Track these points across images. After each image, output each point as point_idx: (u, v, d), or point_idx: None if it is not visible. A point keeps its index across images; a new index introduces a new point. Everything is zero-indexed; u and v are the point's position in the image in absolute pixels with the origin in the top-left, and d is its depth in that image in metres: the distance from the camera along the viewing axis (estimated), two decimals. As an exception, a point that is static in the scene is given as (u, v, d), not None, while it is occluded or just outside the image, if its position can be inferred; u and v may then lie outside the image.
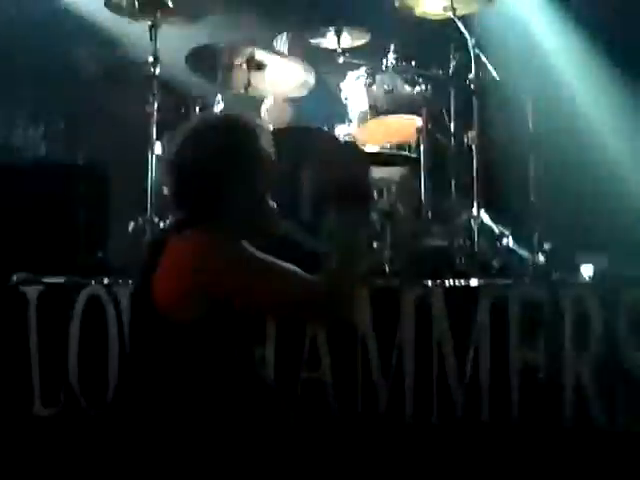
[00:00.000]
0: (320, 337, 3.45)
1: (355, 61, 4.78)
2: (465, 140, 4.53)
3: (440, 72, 4.63)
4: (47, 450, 3.57)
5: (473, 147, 4.43)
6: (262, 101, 4.98)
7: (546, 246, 4.26)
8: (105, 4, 4.67)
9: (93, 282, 3.80)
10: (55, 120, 5.17)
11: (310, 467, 2.19)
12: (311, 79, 4.84)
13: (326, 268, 2.01)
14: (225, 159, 2.04)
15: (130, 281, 3.83)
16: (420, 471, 3.12)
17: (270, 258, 2.03)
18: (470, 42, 4.44)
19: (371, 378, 3.56)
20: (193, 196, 2.07)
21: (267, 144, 2.16)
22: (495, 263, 4.01)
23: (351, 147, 2.31)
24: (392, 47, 4.66)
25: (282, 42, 5.03)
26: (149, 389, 2.09)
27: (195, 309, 2.00)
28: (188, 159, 2.06)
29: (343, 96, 4.69)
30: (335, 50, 4.85)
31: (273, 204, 2.22)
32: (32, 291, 3.81)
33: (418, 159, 4.50)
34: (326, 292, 1.97)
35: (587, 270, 3.99)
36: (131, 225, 4.55)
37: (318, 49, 4.98)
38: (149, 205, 4.51)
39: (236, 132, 2.11)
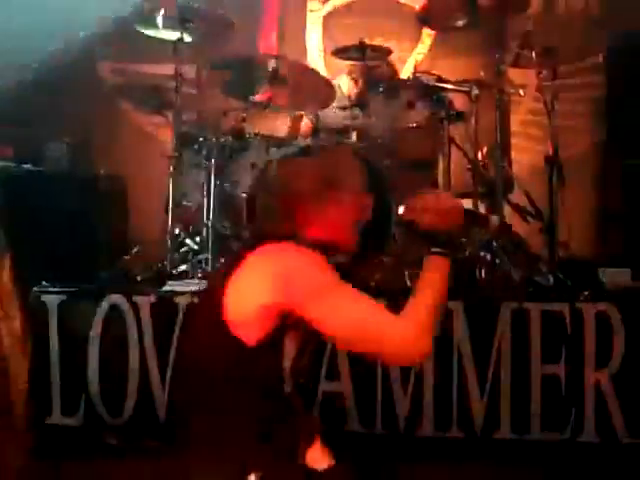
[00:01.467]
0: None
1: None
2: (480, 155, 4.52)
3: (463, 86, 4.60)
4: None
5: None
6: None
7: (567, 259, 4.25)
8: (135, 20, 4.68)
9: (114, 292, 3.82)
10: (78, 133, 5.21)
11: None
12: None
13: (412, 306, 1.99)
14: (327, 186, 2.13)
15: (150, 292, 3.86)
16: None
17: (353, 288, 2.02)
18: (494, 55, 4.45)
19: (391, 390, 3.56)
20: (291, 212, 2.13)
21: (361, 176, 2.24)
22: (515, 275, 3.98)
23: (472, 215, 2.29)
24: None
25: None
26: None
27: (265, 325, 1.99)
28: (293, 180, 2.15)
29: (366, 110, 4.69)
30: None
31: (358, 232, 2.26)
32: (53, 300, 3.83)
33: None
34: (414, 327, 1.94)
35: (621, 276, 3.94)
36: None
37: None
38: (169, 217, 4.53)
39: (339, 163, 2.23)
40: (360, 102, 4.79)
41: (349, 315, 1.96)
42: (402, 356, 1.99)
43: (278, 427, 2.04)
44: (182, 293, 3.81)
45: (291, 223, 2.11)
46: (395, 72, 4.86)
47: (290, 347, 2.06)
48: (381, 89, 4.55)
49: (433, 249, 2.06)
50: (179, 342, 2.37)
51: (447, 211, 2.11)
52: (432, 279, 2.02)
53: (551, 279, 4.02)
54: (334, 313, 1.96)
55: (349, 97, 4.95)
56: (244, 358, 1.99)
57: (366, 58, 4.73)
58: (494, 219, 2.21)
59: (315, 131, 4.88)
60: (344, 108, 4.88)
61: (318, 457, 2.19)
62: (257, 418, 2.00)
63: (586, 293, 3.66)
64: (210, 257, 4.35)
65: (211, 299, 2.08)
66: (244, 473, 1.97)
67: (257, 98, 4.71)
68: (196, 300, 3.71)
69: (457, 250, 2.05)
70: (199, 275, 4.28)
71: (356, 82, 4.87)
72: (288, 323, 2.02)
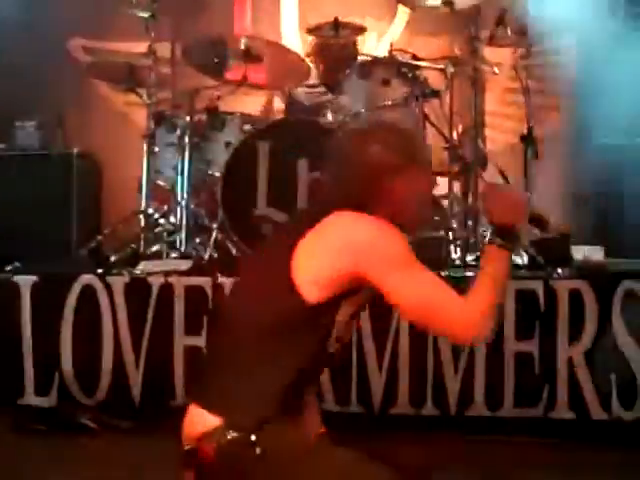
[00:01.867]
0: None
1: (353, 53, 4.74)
2: (454, 134, 4.52)
3: (438, 64, 4.59)
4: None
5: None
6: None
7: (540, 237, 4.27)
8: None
9: (87, 272, 3.79)
10: (49, 111, 5.16)
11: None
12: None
13: (478, 289, 2.05)
14: (403, 158, 2.13)
15: (124, 271, 3.84)
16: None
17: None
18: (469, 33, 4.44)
19: (366, 369, 3.57)
20: (359, 185, 2.12)
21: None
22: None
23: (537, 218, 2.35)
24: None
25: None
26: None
27: (332, 289, 2.00)
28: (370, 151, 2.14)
29: (340, 89, 4.67)
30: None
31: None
32: (25, 281, 3.80)
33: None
34: (480, 312, 2.01)
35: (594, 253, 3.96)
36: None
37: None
38: (144, 196, 4.50)
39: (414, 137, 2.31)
40: (326, 81, 4.77)
41: (420, 290, 2.02)
42: (464, 338, 2.13)
43: (302, 388, 2.08)
44: (156, 273, 3.80)
45: (367, 195, 2.10)
46: (356, 51, 4.81)
47: (345, 311, 2.07)
48: (352, 69, 4.53)
49: (498, 241, 2.10)
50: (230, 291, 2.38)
51: (517, 205, 2.16)
52: (495, 269, 2.07)
53: (525, 257, 4.04)
54: (406, 286, 2.01)
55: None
56: (300, 313, 2.00)
57: (339, 36, 4.70)
58: (554, 222, 2.29)
59: (288, 109, 4.85)
60: (315, 86, 4.86)
61: (314, 422, 2.24)
62: (291, 373, 2.01)
63: (559, 271, 3.69)
64: (184, 237, 4.33)
65: (278, 256, 2.07)
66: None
67: (232, 76, 4.68)
68: (170, 280, 3.72)
69: (516, 246, 2.13)
70: (174, 255, 4.27)
71: (316, 62, 4.83)
72: (350, 292, 2.04)
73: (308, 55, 4.90)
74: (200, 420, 2.01)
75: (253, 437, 1.94)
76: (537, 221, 2.32)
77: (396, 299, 2.03)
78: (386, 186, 2.11)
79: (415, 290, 2.02)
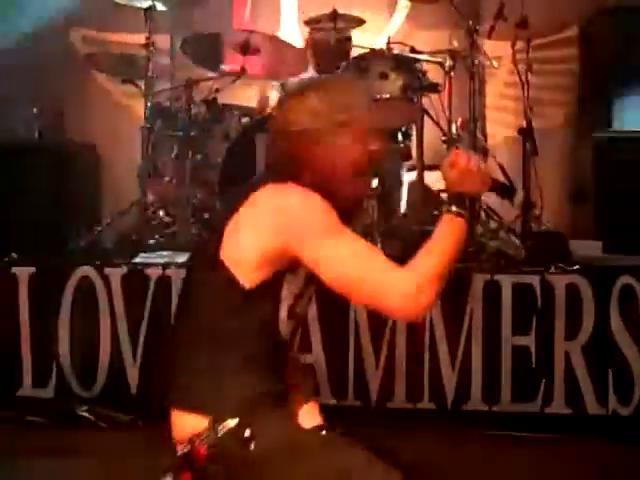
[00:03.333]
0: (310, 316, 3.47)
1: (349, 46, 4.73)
2: (454, 127, 4.51)
3: (437, 57, 4.58)
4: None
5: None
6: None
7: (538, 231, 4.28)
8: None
9: (85, 263, 3.79)
10: (48, 102, 5.14)
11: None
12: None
13: (421, 258, 1.91)
14: (326, 123, 2.02)
15: (122, 263, 3.84)
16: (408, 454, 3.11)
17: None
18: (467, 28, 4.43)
19: (363, 363, 3.58)
20: (288, 154, 2.04)
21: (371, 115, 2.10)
22: (490, 247, 3.99)
23: (500, 185, 2.22)
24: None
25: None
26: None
27: (264, 268, 1.94)
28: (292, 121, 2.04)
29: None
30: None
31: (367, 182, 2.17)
32: (23, 272, 3.80)
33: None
34: (417, 283, 1.85)
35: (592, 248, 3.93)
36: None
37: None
38: (141, 189, 4.50)
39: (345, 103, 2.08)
40: (322, 74, 4.75)
41: (348, 262, 1.90)
42: (401, 310, 1.90)
43: (272, 370, 2.02)
44: (154, 265, 3.80)
45: (297, 165, 2.01)
46: (350, 43, 4.79)
47: (288, 293, 2.00)
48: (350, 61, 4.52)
49: (451, 208, 1.97)
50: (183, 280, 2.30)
51: (476, 173, 2.01)
52: (444, 237, 1.94)
53: (523, 251, 4.04)
54: (333, 258, 1.90)
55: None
56: (241, 299, 1.95)
57: (337, 28, 4.69)
58: (520, 194, 2.14)
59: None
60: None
61: (310, 416, 2.20)
62: (252, 355, 1.97)
63: (557, 265, 3.68)
64: (182, 229, 4.32)
65: (212, 238, 2.04)
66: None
67: (230, 69, 4.67)
68: (168, 272, 3.72)
69: (474, 217, 1.93)
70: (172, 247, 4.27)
71: (312, 55, 4.81)
72: (287, 267, 1.97)
73: (306, 48, 4.89)
74: (187, 423, 1.98)
75: (247, 433, 1.90)
76: (501, 189, 2.21)
77: (319, 270, 1.91)
78: (309, 154, 2.01)
79: (339, 260, 1.89)
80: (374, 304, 1.94)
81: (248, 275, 1.95)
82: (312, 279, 2.03)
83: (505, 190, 2.23)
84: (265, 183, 2.02)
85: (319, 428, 2.18)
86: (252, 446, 1.90)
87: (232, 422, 1.92)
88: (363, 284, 1.89)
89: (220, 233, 1.99)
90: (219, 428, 1.93)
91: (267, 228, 1.94)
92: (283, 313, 2.01)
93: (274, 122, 2.11)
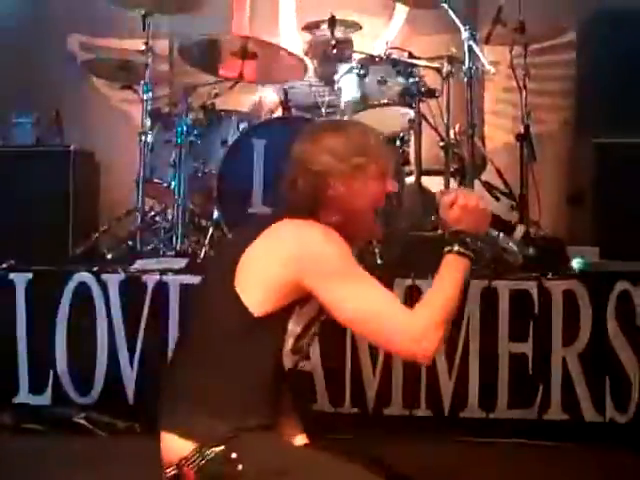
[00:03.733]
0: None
1: (348, 51, 4.73)
2: (452, 133, 4.51)
3: (434, 64, 4.58)
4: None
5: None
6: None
7: (536, 237, 4.27)
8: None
9: (82, 270, 3.79)
10: (47, 107, 5.14)
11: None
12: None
13: (429, 301, 1.96)
14: (349, 166, 2.07)
15: (119, 269, 3.83)
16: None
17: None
18: (464, 34, 4.42)
19: (360, 371, 3.57)
20: (309, 192, 2.08)
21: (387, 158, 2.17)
22: (486, 253, 3.98)
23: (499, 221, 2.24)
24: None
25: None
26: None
27: (275, 300, 1.97)
28: (311, 156, 2.10)
29: (336, 87, 4.67)
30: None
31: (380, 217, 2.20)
32: (21, 278, 3.79)
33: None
34: (426, 326, 1.90)
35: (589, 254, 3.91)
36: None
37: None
38: (139, 195, 4.50)
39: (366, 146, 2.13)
40: (322, 79, 4.76)
41: (364, 304, 1.95)
42: (408, 352, 1.97)
43: (266, 398, 2.04)
44: (151, 271, 3.80)
45: (317, 202, 2.06)
46: (351, 49, 4.79)
47: (295, 326, 2.04)
48: (349, 67, 4.52)
49: (455, 248, 2.01)
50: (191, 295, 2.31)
51: (476, 211, 2.06)
52: (451, 278, 1.98)
53: (520, 257, 4.02)
54: (349, 300, 1.94)
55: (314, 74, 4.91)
56: (247, 325, 1.97)
57: (335, 33, 4.69)
58: (520, 229, 2.15)
59: (284, 107, 4.84)
60: (311, 84, 4.85)
61: (293, 434, 2.22)
62: (250, 387, 2.00)
63: (555, 272, 3.67)
64: (180, 235, 4.32)
65: (224, 265, 2.06)
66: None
67: (228, 74, 4.67)
68: (165, 279, 3.71)
69: (478, 255, 1.98)
70: (170, 253, 4.27)
71: (312, 60, 4.82)
72: (297, 300, 2.00)
73: (306, 53, 4.90)
74: (175, 445, 2.00)
75: (234, 455, 1.92)
76: (501, 225, 2.22)
77: (335, 311, 1.97)
78: (331, 194, 2.06)
79: (355, 302, 1.95)
80: (385, 345, 2.05)
81: (258, 304, 1.98)
82: (320, 313, 2.08)
83: (505, 226, 2.25)
84: (283, 218, 2.06)
85: (307, 446, 2.20)
86: (240, 467, 1.92)
87: (218, 448, 1.94)
88: (377, 326, 1.95)
89: (234, 262, 2.02)
90: (206, 453, 1.95)
91: (282, 260, 1.98)
92: (288, 346, 2.04)
93: (294, 160, 2.14)
